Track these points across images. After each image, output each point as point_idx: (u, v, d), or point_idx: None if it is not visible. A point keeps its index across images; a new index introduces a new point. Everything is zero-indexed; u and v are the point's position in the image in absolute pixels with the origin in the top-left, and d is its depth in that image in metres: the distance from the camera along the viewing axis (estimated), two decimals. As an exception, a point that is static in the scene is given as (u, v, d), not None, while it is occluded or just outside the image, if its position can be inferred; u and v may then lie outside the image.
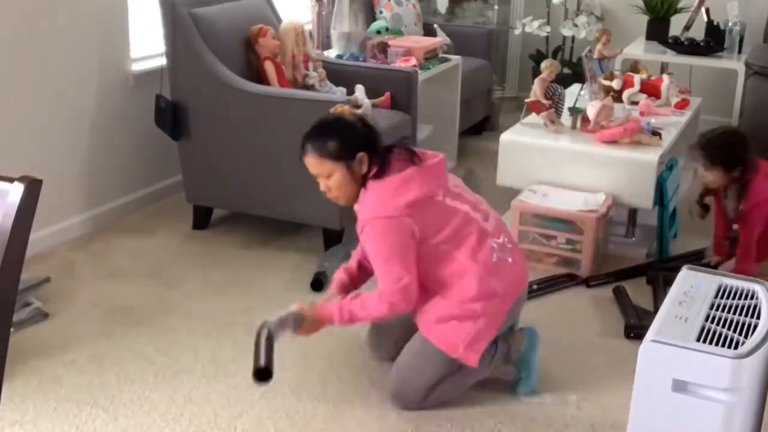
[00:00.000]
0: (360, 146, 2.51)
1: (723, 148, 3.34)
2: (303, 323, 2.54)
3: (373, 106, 3.93)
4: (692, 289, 2.26)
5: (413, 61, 4.33)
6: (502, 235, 2.61)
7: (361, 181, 2.53)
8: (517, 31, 5.82)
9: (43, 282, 3.14)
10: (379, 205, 2.46)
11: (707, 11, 5.12)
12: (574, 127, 3.84)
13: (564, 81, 4.45)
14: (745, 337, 2.05)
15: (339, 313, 2.52)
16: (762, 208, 3.29)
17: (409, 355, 2.62)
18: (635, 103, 4.15)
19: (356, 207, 2.59)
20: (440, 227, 2.49)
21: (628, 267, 3.57)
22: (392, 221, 2.44)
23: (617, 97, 4.17)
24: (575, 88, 4.41)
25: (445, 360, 2.56)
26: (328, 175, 2.53)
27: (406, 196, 2.45)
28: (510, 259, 2.59)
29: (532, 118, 3.91)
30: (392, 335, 2.77)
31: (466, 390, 2.65)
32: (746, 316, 2.15)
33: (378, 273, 2.50)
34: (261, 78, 3.84)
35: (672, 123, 3.97)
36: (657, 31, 5.29)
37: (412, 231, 2.44)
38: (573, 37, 5.76)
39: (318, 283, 3.30)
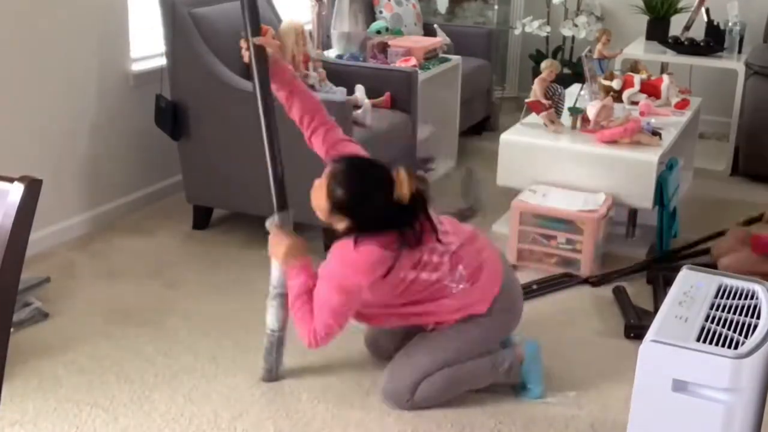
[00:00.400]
0: (352, 214, 2.43)
1: None
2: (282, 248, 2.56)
3: (373, 106, 3.93)
4: (692, 289, 2.26)
5: (413, 61, 4.33)
6: (460, 265, 2.56)
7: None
8: (517, 31, 5.82)
9: (43, 282, 3.14)
10: (350, 267, 2.43)
11: (707, 11, 5.12)
12: (574, 127, 3.84)
13: (564, 81, 4.45)
14: (745, 337, 2.05)
15: (295, 288, 2.53)
16: None
17: (402, 352, 2.64)
18: (635, 103, 4.15)
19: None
20: (399, 294, 2.52)
21: (628, 267, 3.56)
22: (353, 285, 2.45)
23: (617, 97, 4.17)
24: (575, 88, 4.41)
25: (438, 351, 2.57)
26: (318, 196, 2.50)
27: (375, 273, 2.43)
28: (463, 285, 2.56)
29: (532, 118, 3.91)
30: (392, 336, 2.77)
31: (466, 393, 2.66)
32: (746, 316, 2.15)
33: (317, 307, 2.48)
34: (261, 78, 3.83)
35: (672, 123, 3.97)
36: (657, 31, 5.29)
37: (362, 296, 2.48)
38: (573, 37, 5.75)
39: None
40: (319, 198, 2.48)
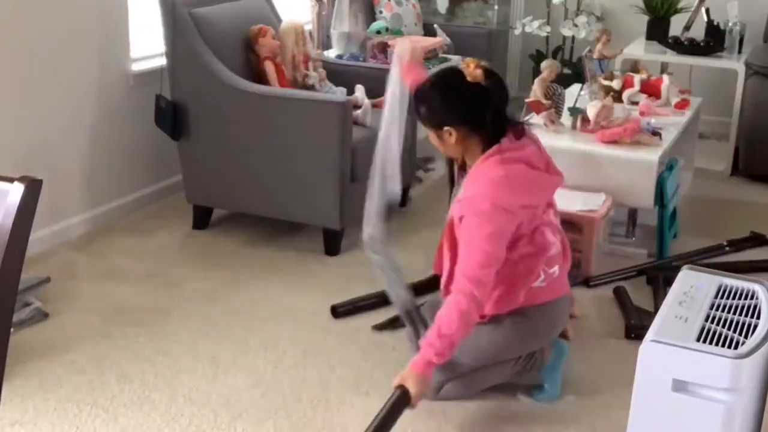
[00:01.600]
0: (449, 120, 2.50)
1: None
2: (409, 398, 2.37)
3: (373, 106, 3.92)
4: (692, 289, 2.26)
5: (413, 61, 4.32)
6: (555, 264, 2.58)
7: (470, 148, 2.52)
8: (517, 31, 5.82)
9: (43, 282, 3.14)
10: (494, 193, 2.41)
11: (707, 11, 5.12)
12: (574, 127, 3.83)
13: (564, 81, 4.45)
14: (745, 337, 2.05)
15: (427, 351, 2.35)
16: None
17: None
18: (635, 103, 4.15)
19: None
20: (524, 242, 2.49)
21: (628, 267, 3.56)
22: (504, 211, 2.40)
23: (617, 97, 4.17)
24: (575, 88, 4.41)
25: (474, 352, 2.55)
26: (433, 137, 2.59)
27: (522, 199, 2.43)
28: (545, 284, 2.57)
29: (532, 118, 3.91)
30: None
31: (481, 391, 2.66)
32: (746, 316, 2.15)
33: (466, 255, 2.40)
34: (261, 78, 3.84)
35: (672, 123, 3.97)
36: (657, 31, 5.29)
37: (512, 228, 2.43)
38: (573, 37, 5.75)
39: (335, 312, 3.21)
40: (434, 137, 2.58)
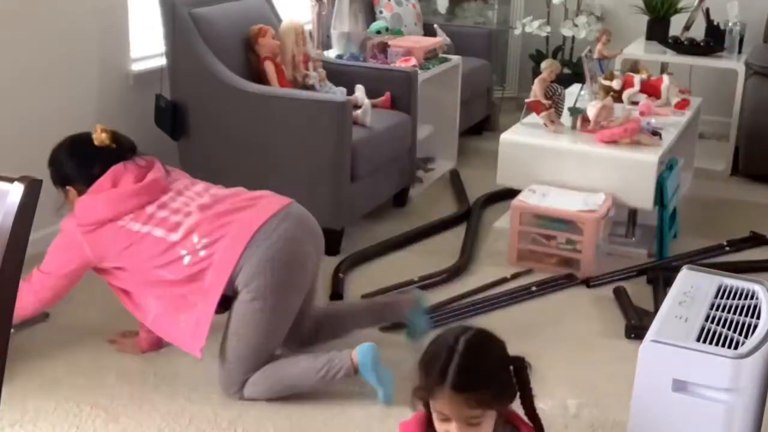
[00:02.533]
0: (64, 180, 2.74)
1: None
2: None
3: (373, 106, 3.93)
4: (692, 289, 2.27)
5: (413, 61, 4.33)
6: (195, 234, 2.54)
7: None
8: (517, 31, 5.82)
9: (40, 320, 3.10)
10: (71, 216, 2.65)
11: (707, 11, 5.12)
12: (574, 127, 3.83)
13: (564, 81, 4.45)
14: (745, 337, 2.06)
15: None
16: None
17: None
18: (635, 103, 4.15)
19: None
20: (120, 252, 2.57)
21: (628, 267, 3.56)
22: (70, 236, 2.63)
23: (617, 97, 4.17)
24: (575, 88, 4.41)
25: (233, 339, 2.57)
26: None
27: (92, 216, 2.59)
28: (204, 252, 2.53)
29: (532, 118, 3.91)
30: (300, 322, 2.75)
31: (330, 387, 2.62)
32: (746, 316, 2.15)
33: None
34: (261, 78, 3.84)
35: (672, 123, 3.97)
36: (657, 31, 5.29)
37: (82, 252, 2.61)
38: (573, 37, 5.75)
39: (337, 296, 3.25)
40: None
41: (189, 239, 2.54)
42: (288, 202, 2.69)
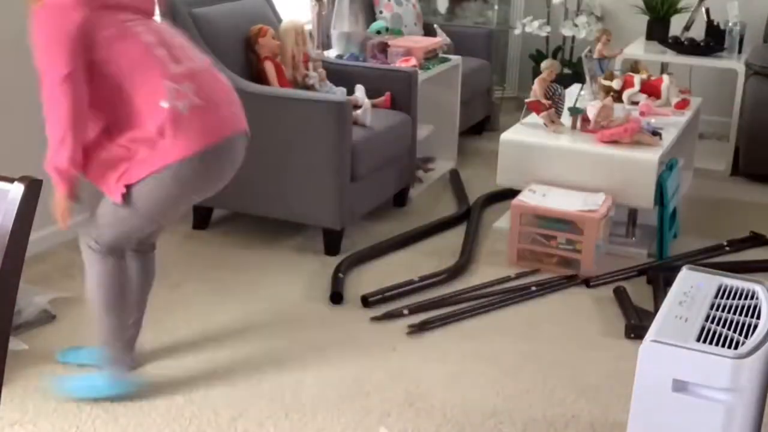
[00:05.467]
0: None
1: None
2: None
3: (373, 106, 3.93)
4: (692, 289, 2.27)
5: (413, 61, 4.33)
6: (186, 81, 2.42)
7: None
8: (517, 31, 5.82)
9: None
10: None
11: (707, 11, 5.12)
12: (574, 127, 3.84)
13: (564, 81, 4.45)
14: (745, 337, 2.06)
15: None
16: None
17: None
18: (635, 103, 4.15)
19: None
20: (113, 51, 2.34)
21: (628, 267, 3.56)
22: (58, 10, 2.34)
23: (617, 97, 4.17)
24: (575, 88, 4.41)
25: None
26: None
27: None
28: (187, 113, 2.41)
29: (532, 118, 3.91)
30: None
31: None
32: (746, 316, 2.15)
33: (42, 72, 2.38)
34: (261, 78, 3.84)
35: (672, 123, 3.97)
36: (657, 31, 5.29)
37: (78, 28, 2.32)
38: (573, 37, 5.75)
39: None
40: None
41: (184, 83, 2.41)
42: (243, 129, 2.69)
